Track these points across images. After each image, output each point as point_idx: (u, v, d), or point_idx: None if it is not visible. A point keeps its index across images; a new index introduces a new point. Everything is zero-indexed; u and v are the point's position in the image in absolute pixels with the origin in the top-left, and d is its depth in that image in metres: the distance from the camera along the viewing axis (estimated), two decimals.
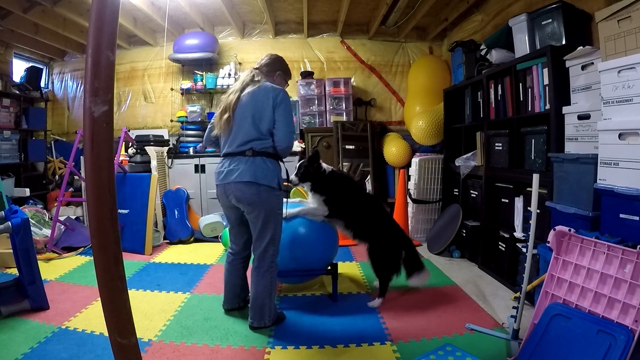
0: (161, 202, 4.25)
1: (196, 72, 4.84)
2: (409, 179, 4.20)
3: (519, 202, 2.70)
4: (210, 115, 4.71)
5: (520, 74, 2.69)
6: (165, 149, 4.57)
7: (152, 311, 2.36)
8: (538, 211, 1.88)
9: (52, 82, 5.40)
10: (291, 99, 4.96)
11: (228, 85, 4.57)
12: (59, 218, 3.72)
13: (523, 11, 2.76)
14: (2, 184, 3.52)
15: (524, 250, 2.38)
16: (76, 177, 4.40)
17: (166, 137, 4.74)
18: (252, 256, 2.16)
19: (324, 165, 2.52)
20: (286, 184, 2.32)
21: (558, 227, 1.75)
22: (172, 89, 5.06)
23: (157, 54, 5.07)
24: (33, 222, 3.59)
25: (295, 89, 4.82)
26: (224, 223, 4.01)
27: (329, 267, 2.50)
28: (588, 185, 1.94)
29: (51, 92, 5.37)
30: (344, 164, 4.42)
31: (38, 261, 2.39)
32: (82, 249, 3.61)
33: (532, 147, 2.58)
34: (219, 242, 3.90)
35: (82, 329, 2.11)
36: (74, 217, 4.16)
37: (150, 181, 3.73)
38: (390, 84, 5.09)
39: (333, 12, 4.56)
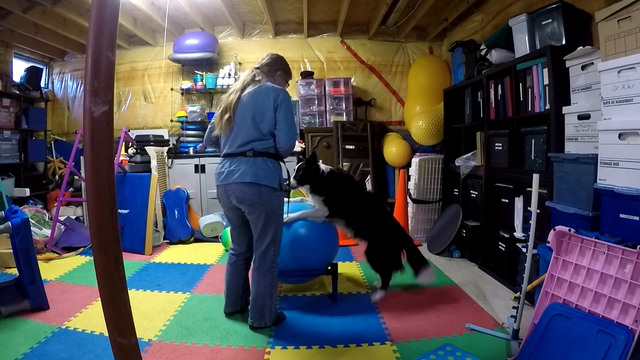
0: (161, 202, 4.25)
1: (196, 72, 4.84)
2: (409, 179, 4.20)
3: (519, 202, 2.70)
4: (210, 115, 4.71)
5: (520, 74, 2.68)
6: (165, 149, 4.57)
7: (152, 311, 2.36)
8: (538, 211, 1.88)
9: (52, 82, 5.40)
10: (291, 99, 4.98)
11: (228, 85, 4.58)
12: (59, 218, 3.72)
13: (523, 11, 2.76)
14: (2, 184, 3.52)
15: (524, 250, 2.38)
16: (76, 177, 4.40)
17: (166, 137, 4.74)
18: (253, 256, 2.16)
19: (322, 166, 2.52)
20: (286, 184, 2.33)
21: (558, 227, 1.75)
22: (172, 89, 5.06)
23: (157, 54, 5.07)
24: (33, 222, 3.59)
25: (295, 89, 4.82)
26: (224, 223, 4.01)
27: (329, 267, 2.50)
28: (588, 185, 1.94)
29: (51, 92, 5.37)
30: (344, 164, 4.42)
31: (38, 261, 2.39)
32: (82, 249, 3.61)
33: (532, 147, 2.58)
34: (219, 242, 3.90)
35: (82, 329, 2.11)
36: (74, 217, 4.16)
37: (150, 181, 3.73)
38: (390, 84, 5.09)
39: (333, 12, 4.56)
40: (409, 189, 4.13)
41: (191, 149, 4.71)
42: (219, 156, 2.15)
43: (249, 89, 2.08)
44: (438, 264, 3.28)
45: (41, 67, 5.13)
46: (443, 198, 4.05)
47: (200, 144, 4.73)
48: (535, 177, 1.86)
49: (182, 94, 5.03)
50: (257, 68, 2.18)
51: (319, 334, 2.08)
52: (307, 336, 2.07)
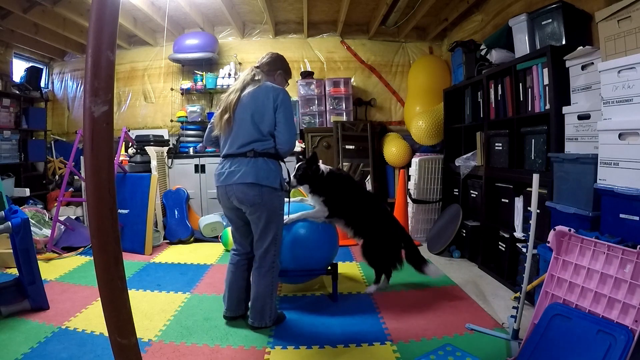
0: (161, 202, 4.25)
1: (196, 72, 4.84)
2: (409, 179, 4.20)
3: (519, 202, 2.70)
4: (210, 115, 4.70)
5: (520, 74, 2.68)
6: (165, 149, 4.57)
7: (152, 311, 2.36)
8: (538, 211, 1.88)
9: (52, 82, 5.40)
10: (291, 99, 4.97)
11: (228, 85, 4.57)
12: (59, 218, 3.72)
13: (523, 11, 2.76)
14: (2, 184, 3.52)
15: (524, 250, 2.38)
16: (76, 177, 4.40)
17: (166, 137, 4.74)
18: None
19: (322, 166, 2.53)
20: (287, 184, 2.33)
21: (558, 227, 1.75)
22: (172, 89, 5.06)
23: (157, 54, 5.07)
24: (33, 222, 3.59)
25: (295, 89, 4.82)
26: (224, 223, 4.01)
27: (329, 267, 2.51)
28: (588, 185, 1.94)
29: (51, 92, 5.37)
30: (344, 164, 4.42)
31: (38, 261, 2.39)
32: (82, 249, 3.61)
33: (532, 147, 2.58)
34: (219, 242, 3.90)
35: (82, 329, 2.11)
36: (74, 217, 4.16)
37: (150, 181, 3.73)
38: (390, 84, 5.09)
39: (333, 12, 4.56)
40: (409, 189, 4.13)
41: (191, 149, 4.71)
42: (219, 156, 2.14)
43: (249, 89, 2.07)
44: (438, 264, 3.28)
45: (41, 67, 5.13)
46: (443, 198, 4.05)
47: (200, 144, 4.73)
48: (535, 177, 1.86)
49: (182, 94, 5.03)
50: (257, 67, 2.17)
51: (319, 334, 2.08)
52: (307, 336, 2.07)
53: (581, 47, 2.10)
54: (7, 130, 4.26)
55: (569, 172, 2.11)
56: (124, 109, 5.20)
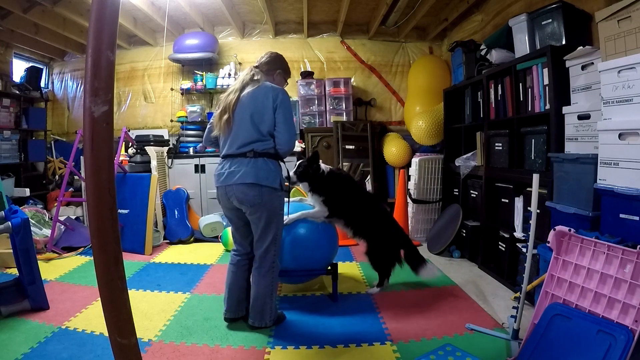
0: (161, 202, 4.25)
1: (196, 72, 4.84)
2: (409, 179, 4.19)
3: (519, 202, 2.70)
4: (210, 115, 4.70)
5: (520, 74, 2.68)
6: (165, 149, 4.57)
7: (152, 311, 2.36)
8: (538, 211, 1.88)
9: (52, 82, 5.40)
10: (291, 99, 4.96)
11: (228, 85, 4.57)
12: (59, 218, 3.72)
13: (523, 11, 2.76)
14: (2, 184, 3.52)
15: (524, 250, 2.38)
16: (76, 177, 4.40)
17: (166, 137, 4.74)
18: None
19: (323, 165, 2.54)
20: (286, 184, 2.33)
21: (558, 227, 1.75)
22: (172, 89, 5.06)
23: (157, 54, 5.07)
24: (33, 222, 3.59)
25: (295, 89, 4.82)
26: (224, 223, 4.01)
27: (329, 267, 2.51)
28: (588, 185, 1.94)
29: (51, 92, 5.37)
30: (344, 164, 4.42)
31: (38, 261, 2.39)
32: (82, 249, 3.61)
33: (532, 147, 2.58)
34: (219, 242, 3.90)
35: (82, 329, 2.11)
36: (74, 217, 4.16)
37: (150, 181, 3.73)
38: (390, 84, 5.09)
39: (333, 12, 4.56)
40: (409, 189, 4.13)
41: (191, 149, 4.71)
42: (218, 156, 2.14)
43: (248, 89, 2.06)
44: (438, 264, 3.28)
45: (41, 67, 5.12)
46: (443, 198, 4.05)
47: (200, 144, 4.73)
48: (535, 177, 1.86)
49: (182, 94, 5.03)
50: (256, 67, 2.16)
51: (319, 334, 2.08)
52: (307, 336, 2.07)
53: (581, 47, 2.10)
54: (7, 130, 4.26)
55: (569, 172, 2.11)
56: (124, 109, 5.20)
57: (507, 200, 2.92)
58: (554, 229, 1.76)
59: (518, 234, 2.69)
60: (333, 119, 4.68)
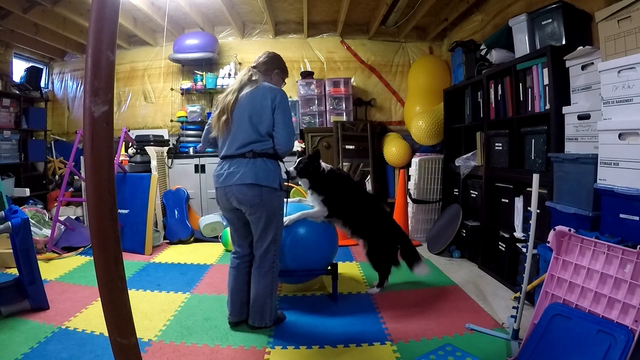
0: (161, 202, 4.25)
1: (196, 72, 4.84)
2: (409, 179, 4.19)
3: (519, 202, 2.70)
4: (210, 115, 4.71)
5: (520, 74, 2.68)
6: (165, 149, 4.57)
7: (152, 311, 2.36)
8: (538, 211, 1.88)
9: (52, 82, 5.40)
10: (291, 99, 4.97)
11: (228, 86, 4.57)
12: (59, 218, 3.72)
13: (523, 11, 2.76)
14: (2, 184, 3.52)
15: (524, 250, 2.38)
16: (76, 177, 4.40)
17: (166, 137, 4.74)
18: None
19: (323, 164, 2.54)
20: (286, 183, 2.33)
21: (558, 227, 1.75)
22: (172, 89, 5.06)
23: (157, 54, 5.07)
24: (33, 222, 3.59)
25: (295, 89, 4.82)
26: (224, 223, 4.01)
27: (329, 267, 2.50)
28: (588, 185, 1.94)
29: (51, 92, 5.37)
30: (344, 164, 4.42)
31: (38, 261, 2.39)
32: (82, 249, 3.61)
33: (532, 147, 2.58)
34: (219, 242, 3.90)
35: (82, 329, 2.11)
36: (74, 217, 4.16)
37: (150, 181, 3.73)
38: (390, 84, 5.09)
39: (333, 12, 4.56)
40: (409, 189, 4.13)
41: (191, 149, 4.72)
42: (218, 156, 2.14)
43: (246, 90, 2.06)
44: (438, 264, 3.28)
45: (41, 67, 5.12)
46: (443, 198, 4.05)
47: (200, 145, 4.73)
48: (535, 177, 1.86)
49: (182, 94, 5.03)
50: (254, 67, 2.16)
51: (319, 334, 2.08)
52: (307, 336, 2.07)
53: (581, 47, 2.10)
54: (7, 130, 4.26)
55: (569, 172, 2.11)
56: (124, 109, 5.20)
57: (507, 200, 2.92)
58: (554, 229, 1.76)
59: (518, 234, 2.69)
60: (333, 119, 4.68)
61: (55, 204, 3.69)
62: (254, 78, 2.11)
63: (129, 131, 4.34)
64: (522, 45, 2.74)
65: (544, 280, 1.80)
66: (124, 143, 4.18)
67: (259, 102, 2.02)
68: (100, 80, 0.86)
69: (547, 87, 2.41)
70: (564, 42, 2.40)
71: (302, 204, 2.68)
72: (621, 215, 1.74)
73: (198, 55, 4.62)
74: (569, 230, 1.73)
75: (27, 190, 4.26)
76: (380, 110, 5.09)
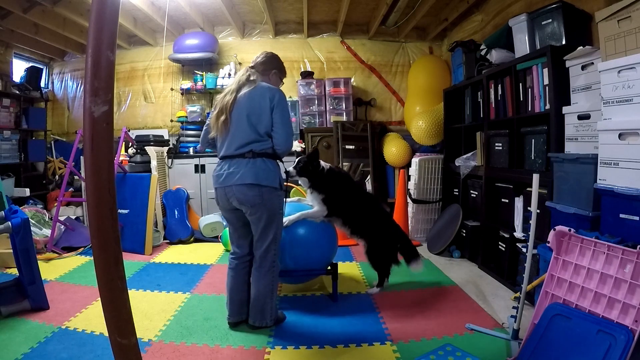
0: (161, 202, 4.25)
1: (196, 72, 4.84)
2: (409, 179, 4.19)
3: (519, 202, 2.70)
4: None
5: (520, 74, 2.68)
6: (165, 149, 4.57)
7: (152, 311, 2.36)
8: (538, 211, 1.88)
9: (52, 82, 5.40)
10: (291, 99, 4.97)
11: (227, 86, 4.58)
12: (59, 218, 3.72)
13: (523, 11, 2.76)
14: (2, 184, 3.52)
15: (524, 250, 2.38)
16: (76, 177, 4.40)
17: (166, 137, 4.74)
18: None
19: (323, 163, 2.54)
20: (286, 183, 2.33)
21: (558, 227, 1.75)
22: (172, 89, 5.06)
23: (157, 54, 5.07)
24: (33, 222, 3.59)
25: (295, 89, 4.82)
26: (224, 223, 4.01)
27: (329, 267, 2.51)
28: (588, 185, 1.94)
29: (51, 92, 5.37)
30: (344, 164, 4.42)
31: (38, 261, 2.39)
32: (82, 249, 3.61)
33: (532, 147, 2.58)
34: (219, 242, 3.90)
35: (82, 329, 2.11)
36: (74, 217, 4.16)
37: (150, 181, 3.73)
38: (390, 84, 5.09)
39: (333, 12, 4.56)
40: (409, 189, 4.13)
41: (191, 149, 4.72)
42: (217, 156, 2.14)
43: (245, 90, 2.06)
44: (438, 264, 3.28)
45: (41, 67, 5.12)
46: (443, 198, 4.05)
47: (199, 145, 4.73)
48: (535, 177, 1.86)
49: (182, 94, 5.03)
50: (252, 67, 2.16)
51: (319, 334, 2.08)
52: (307, 336, 2.07)
53: (581, 47, 2.10)
54: (7, 130, 4.26)
55: (569, 172, 2.11)
56: (124, 109, 5.20)
57: (507, 200, 2.92)
58: (554, 229, 1.76)
59: (518, 234, 2.69)
60: (333, 119, 4.68)
61: (55, 204, 3.69)
62: (252, 78, 2.11)
63: (129, 131, 4.34)
64: (522, 45, 2.74)
65: (544, 280, 1.80)
66: (124, 143, 4.18)
67: (258, 102, 2.02)
68: (100, 80, 0.86)
69: (547, 87, 2.41)
70: (564, 42, 2.40)
71: (302, 203, 2.68)
72: (621, 215, 1.74)
73: (198, 55, 4.62)
74: (569, 230, 1.73)
75: (27, 190, 4.26)
76: (380, 110, 5.09)
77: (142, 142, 4.36)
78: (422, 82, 4.60)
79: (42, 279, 2.40)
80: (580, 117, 2.12)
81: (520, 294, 1.90)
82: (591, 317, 1.55)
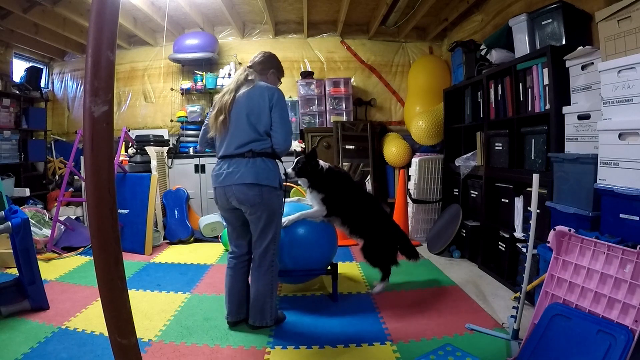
0: (161, 202, 4.25)
1: (196, 72, 4.84)
2: (409, 179, 4.20)
3: (519, 202, 2.70)
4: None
5: (520, 74, 2.68)
6: (165, 149, 4.57)
7: (152, 311, 2.36)
8: (538, 211, 1.88)
9: (52, 82, 5.40)
10: (291, 99, 4.97)
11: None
12: (59, 218, 3.72)
13: (523, 11, 2.76)
14: (2, 184, 3.52)
15: (524, 250, 2.38)
16: (76, 177, 4.40)
17: (166, 137, 4.74)
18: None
19: (322, 162, 2.53)
20: (286, 183, 2.33)
21: (558, 227, 1.75)
22: (172, 89, 5.06)
23: (157, 54, 5.06)
24: (33, 222, 3.59)
25: (295, 89, 4.82)
26: (224, 223, 4.01)
27: (329, 267, 2.50)
28: (588, 185, 1.94)
29: (51, 92, 5.37)
30: (344, 164, 4.42)
31: (38, 261, 2.39)
32: (82, 249, 3.61)
33: (532, 147, 2.58)
34: (219, 242, 3.90)
35: (82, 329, 2.11)
36: (74, 217, 4.16)
37: (150, 181, 3.73)
38: (390, 84, 5.09)
39: (333, 12, 4.56)
40: (409, 189, 4.13)
41: (191, 149, 4.72)
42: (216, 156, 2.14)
43: (243, 89, 2.07)
44: (438, 264, 3.28)
45: (41, 67, 5.12)
46: (443, 198, 4.05)
47: (198, 145, 4.72)
48: (535, 177, 1.86)
49: (182, 94, 5.03)
50: (250, 67, 2.17)
51: (319, 334, 2.08)
52: (307, 336, 2.07)
53: (581, 47, 2.10)
54: (7, 130, 4.26)
55: (569, 172, 2.11)
56: (124, 109, 5.19)
57: (507, 200, 2.92)
58: (554, 229, 1.76)
59: (518, 234, 2.69)
60: (333, 119, 4.68)
61: (55, 204, 3.69)
62: (250, 78, 2.12)
63: (129, 131, 4.35)
64: (522, 45, 2.74)
65: (544, 280, 1.80)
66: (124, 143, 4.18)
67: (257, 102, 2.02)
68: (100, 80, 0.86)
69: (547, 87, 2.41)
70: (564, 42, 2.40)
71: (301, 203, 2.68)
72: (621, 215, 1.74)
73: (198, 55, 4.61)
74: (569, 230, 1.73)
75: (27, 190, 4.26)
76: (380, 110, 5.09)
77: (142, 142, 4.36)
78: (422, 82, 4.60)
79: (42, 279, 2.40)
80: (580, 117, 2.12)
81: (520, 294, 1.90)
82: (591, 317, 1.55)
